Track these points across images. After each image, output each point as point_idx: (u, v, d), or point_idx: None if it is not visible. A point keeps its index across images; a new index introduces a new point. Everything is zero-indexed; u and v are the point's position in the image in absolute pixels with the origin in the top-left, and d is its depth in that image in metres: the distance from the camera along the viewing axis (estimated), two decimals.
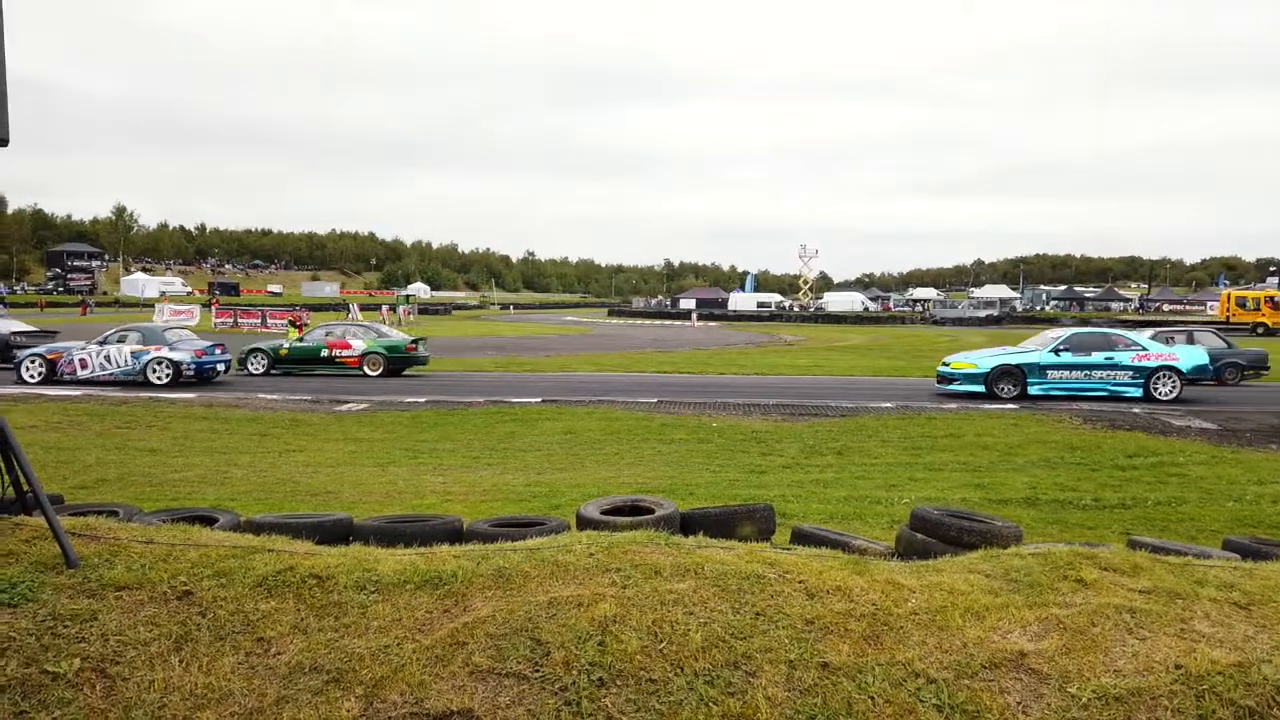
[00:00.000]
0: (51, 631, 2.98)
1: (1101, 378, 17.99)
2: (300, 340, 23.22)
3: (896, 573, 3.43)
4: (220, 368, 20.47)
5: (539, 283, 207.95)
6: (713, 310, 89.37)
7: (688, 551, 3.55)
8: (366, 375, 22.07)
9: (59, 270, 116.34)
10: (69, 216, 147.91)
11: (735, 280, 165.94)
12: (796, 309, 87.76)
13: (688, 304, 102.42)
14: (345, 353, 22.43)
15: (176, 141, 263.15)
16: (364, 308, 64.96)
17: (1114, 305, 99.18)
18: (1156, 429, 14.02)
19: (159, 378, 19.29)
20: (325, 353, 22.48)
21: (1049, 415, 15.25)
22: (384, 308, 63.17)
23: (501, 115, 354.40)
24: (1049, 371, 18.06)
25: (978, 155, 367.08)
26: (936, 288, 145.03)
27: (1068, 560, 3.54)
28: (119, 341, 19.93)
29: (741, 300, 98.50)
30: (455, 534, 4.58)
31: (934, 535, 4.33)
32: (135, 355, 19.63)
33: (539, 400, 17.08)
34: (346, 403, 16.69)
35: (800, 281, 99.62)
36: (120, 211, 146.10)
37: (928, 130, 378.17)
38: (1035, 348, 18.72)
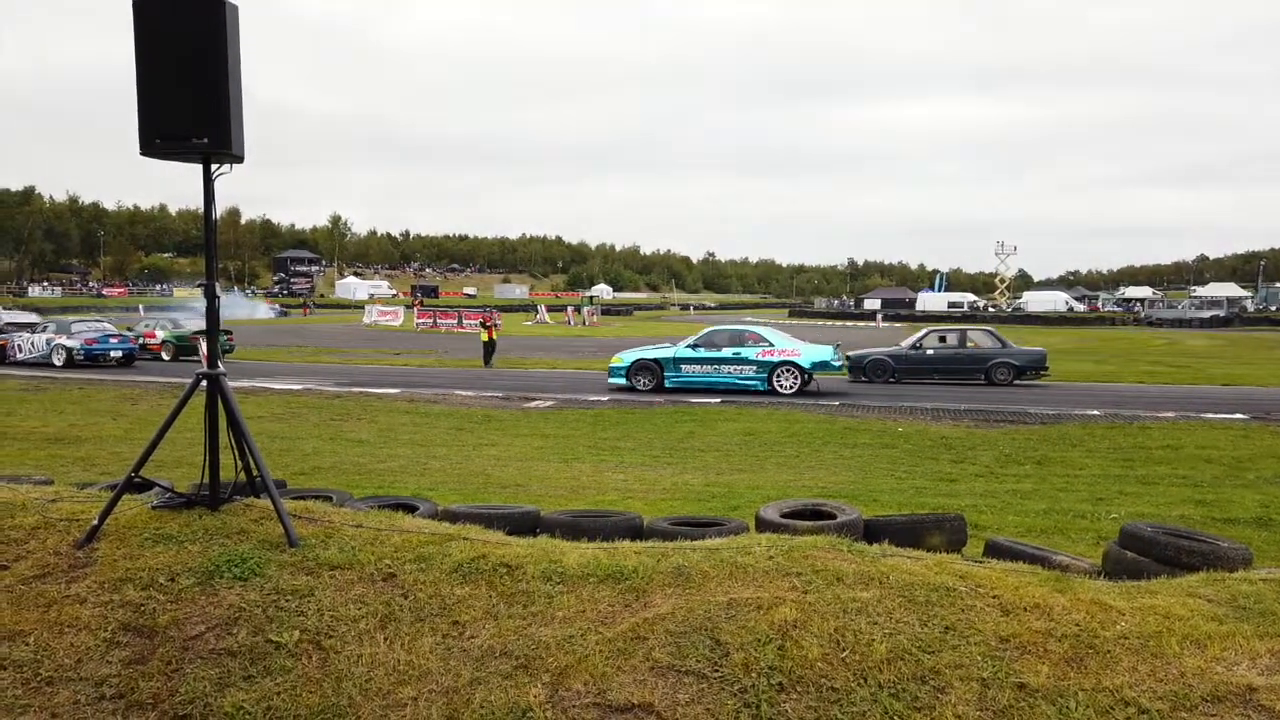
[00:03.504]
0: (275, 605, 3.28)
1: (729, 372, 18.59)
2: (129, 330, 27.14)
3: (1103, 593, 3.18)
4: (115, 354, 24.07)
5: (719, 283, 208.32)
6: (899, 310, 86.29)
7: (872, 560, 3.45)
8: (162, 360, 26.18)
9: (283, 274, 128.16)
10: (292, 225, 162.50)
11: (923, 279, 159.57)
12: (992, 309, 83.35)
13: (872, 304, 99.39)
14: (151, 340, 26.78)
15: (387, 155, 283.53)
16: (551, 309, 67.45)
17: None
18: None
19: (58, 360, 23.38)
20: (141, 340, 26.53)
21: None
22: (569, 309, 65.34)
23: (687, 119, 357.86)
24: (683, 366, 18.78)
25: (1202, 142, 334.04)
26: (1152, 286, 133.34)
27: None
28: (41, 331, 24.47)
29: (931, 300, 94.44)
30: (635, 530, 4.66)
31: (1147, 554, 3.99)
32: (48, 342, 23.85)
33: (718, 401, 17.11)
34: (534, 400, 17.38)
35: (996, 280, 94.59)
36: (336, 220, 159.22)
37: (1144, 117, 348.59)
38: (679, 344, 19.43)
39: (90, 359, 23.60)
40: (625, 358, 19.38)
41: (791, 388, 18.19)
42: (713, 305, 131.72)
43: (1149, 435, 13.09)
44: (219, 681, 2.97)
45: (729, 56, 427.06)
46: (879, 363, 21.55)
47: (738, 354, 18.63)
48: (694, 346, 18.95)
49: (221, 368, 4.02)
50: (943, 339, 21.78)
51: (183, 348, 26.60)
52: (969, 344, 21.49)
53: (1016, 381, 20.70)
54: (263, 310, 74.75)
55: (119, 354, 24.28)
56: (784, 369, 18.29)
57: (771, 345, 18.66)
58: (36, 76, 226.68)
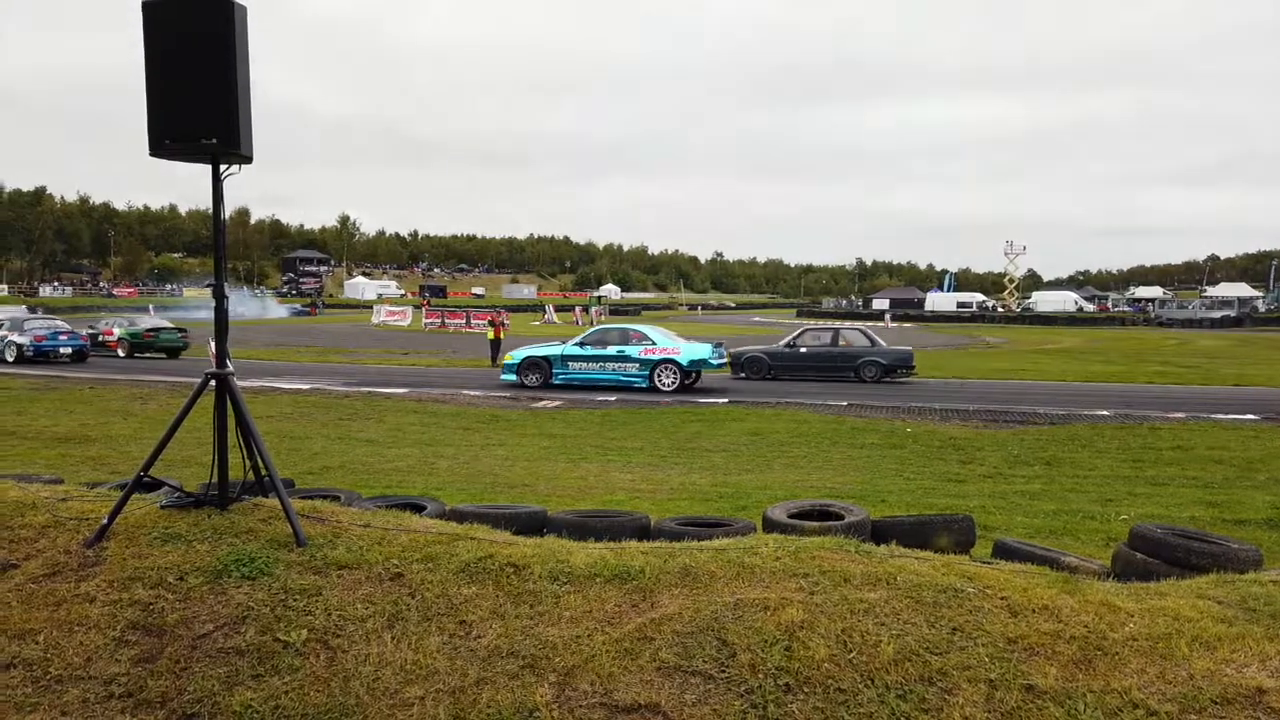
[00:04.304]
0: (283, 604, 3.28)
1: (614, 369, 19.12)
2: (91, 328, 28.80)
3: (1112, 594, 3.17)
4: (65, 351, 25.01)
5: (727, 283, 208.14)
6: (908, 311, 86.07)
7: (879, 560, 3.44)
8: (119, 356, 27.42)
9: (292, 275, 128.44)
10: (301, 226, 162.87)
11: (932, 279, 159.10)
12: (1000, 309, 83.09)
13: (880, 304, 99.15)
14: (110, 338, 28.10)
15: (395, 155, 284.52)
16: (559, 309, 67.47)
17: None
18: None
19: (9, 356, 24.51)
20: (100, 338, 27.94)
21: None
22: (577, 309, 65.34)
23: (694, 121, 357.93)
24: (570, 363, 19.32)
25: (1213, 142, 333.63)
26: (1162, 286, 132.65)
27: None
28: None
29: (939, 300, 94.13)
30: (643, 530, 4.66)
31: (1156, 555, 3.97)
32: (2, 339, 24.95)
33: (726, 400, 17.10)
34: (541, 400, 17.40)
35: (1005, 280, 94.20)
36: (344, 220, 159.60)
37: (1154, 116, 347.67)
38: (568, 342, 20.05)
39: (40, 355, 24.55)
40: (516, 355, 19.84)
41: (671, 385, 18.65)
42: (733, 305, 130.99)
43: (1159, 436, 13.03)
44: (227, 680, 2.98)
45: (737, 55, 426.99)
46: (755, 360, 22.20)
47: (621, 352, 19.15)
48: (582, 344, 19.49)
49: (230, 367, 4.03)
50: (816, 337, 22.49)
51: (136, 344, 27.90)
52: (841, 342, 22.19)
53: (886, 379, 21.36)
54: (274, 309, 75.03)
55: (68, 350, 25.15)
56: (664, 366, 18.81)
57: (654, 344, 19.19)
58: (47, 77, 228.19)
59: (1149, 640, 2.83)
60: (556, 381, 19.26)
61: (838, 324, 27.42)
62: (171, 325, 29.35)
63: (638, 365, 18.99)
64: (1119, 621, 2.94)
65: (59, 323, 27.06)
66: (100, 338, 27.93)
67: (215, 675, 2.99)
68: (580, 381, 19.19)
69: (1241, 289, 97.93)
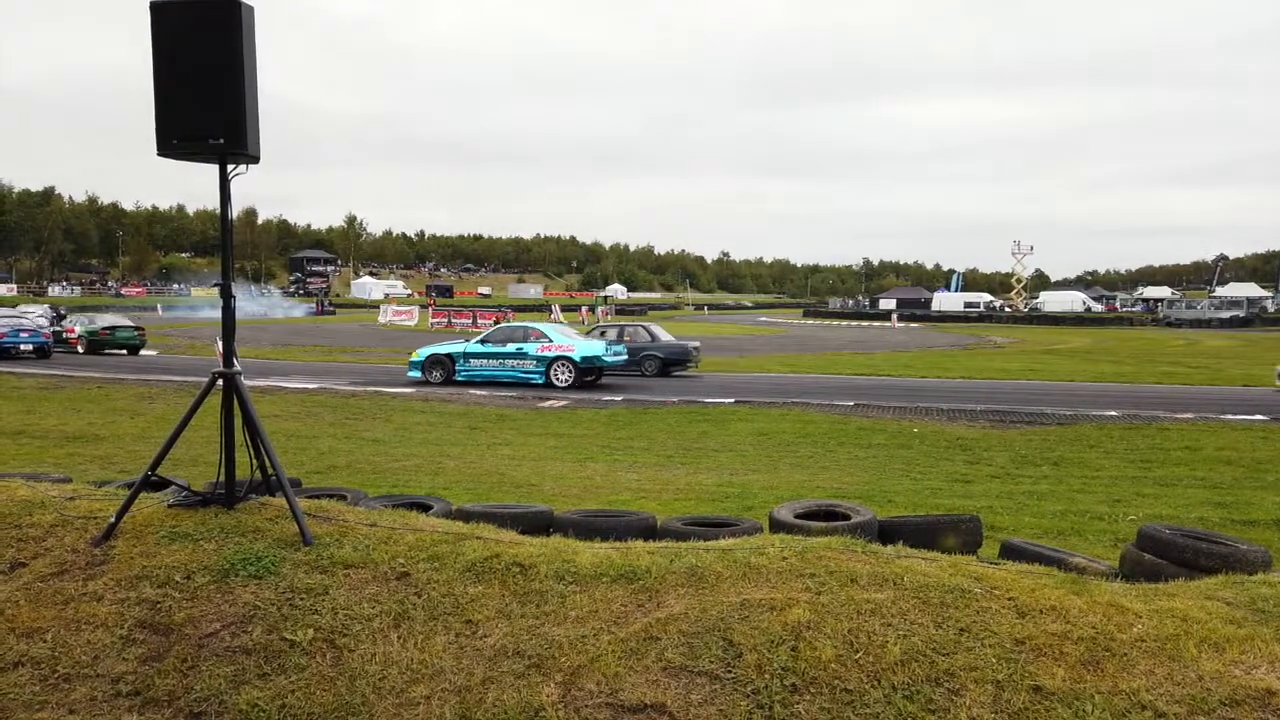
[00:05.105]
0: (290, 603, 3.29)
1: (513, 366, 19.64)
2: (57, 326, 29.98)
3: (1120, 595, 3.16)
4: (26, 348, 25.49)
5: (733, 283, 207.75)
6: (914, 311, 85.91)
7: (886, 561, 3.43)
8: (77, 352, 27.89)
9: (299, 274, 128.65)
10: (308, 226, 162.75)
11: (939, 279, 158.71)
12: (1008, 309, 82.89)
13: (887, 304, 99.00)
14: (71, 335, 28.73)
15: (402, 155, 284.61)
16: (565, 309, 67.49)
17: None
18: None
19: None
20: (64, 335, 28.73)
21: None
22: (583, 309, 65.36)
23: (701, 119, 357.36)
24: (472, 360, 19.81)
25: (1222, 141, 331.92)
26: (1171, 286, 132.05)
27: None
28: None
29: (946, 300, 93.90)
30: (649, 530, 4.65)
31: (1165, 556, 3.95)
32: None
33: (732, 401, 17.08)
34: (548, 400, 17.41)
35: (1013, 280, 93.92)
36: (351, 220, 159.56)
37: (1162, 115, 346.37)
38: (471, 340, 20.84)
39: (2, 352, 25.12)
40: (422, 353, 20.34)
41: (567, 381, 19.09)
42: (750, 305, 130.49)
43: (1167, 436, 12.98)
44: (234, 679, 2.98)
45: (743, 56, 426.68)
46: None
47: (520, 349, 19.64)
48: (483, 342, 20.11)
49: (237, 366, 4.04)
50: (603, 334, 23.42)
51: (94, 341, 28.72)
52: (625, 338, 23.08)
53: (671, 373, 22.52)
54: (284, 308, 75.26)
55: (29, 347, 25.77)
56: (560, 363, 19.28)
57: (550, 341, 19.69)
58: (56, 78, 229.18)
59: (1157, 641, 2.81)
60: (459, 379, 19.66)
61: (625, 322, 28.74)
62: (129, 324, 30.56)
63: (535, 362, 19.42)
64: (1127, 622, 2.92)
65: (23, 320, 27.98)
66: (63, 335, 28.93)
67: (222, 674, 3.00)
68: (481, 378, 19.60)
69: (1250, 289, 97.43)
